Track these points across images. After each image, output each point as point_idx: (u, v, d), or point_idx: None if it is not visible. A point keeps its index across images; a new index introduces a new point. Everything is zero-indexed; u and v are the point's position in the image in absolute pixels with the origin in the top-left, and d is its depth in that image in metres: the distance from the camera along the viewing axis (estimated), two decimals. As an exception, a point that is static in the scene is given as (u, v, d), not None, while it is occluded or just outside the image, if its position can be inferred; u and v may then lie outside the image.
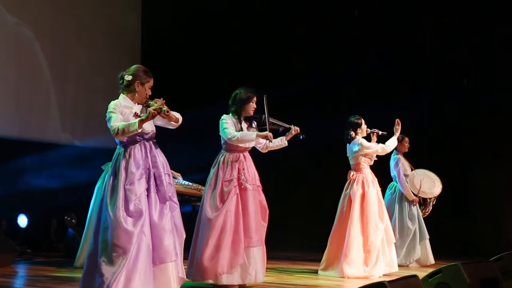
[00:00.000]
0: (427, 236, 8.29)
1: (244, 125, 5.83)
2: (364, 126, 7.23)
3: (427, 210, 8.38)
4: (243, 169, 5.71)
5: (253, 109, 5.82)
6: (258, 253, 5.67)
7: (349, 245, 6.89)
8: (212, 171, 5.76)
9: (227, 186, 5.63)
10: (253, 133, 5.72)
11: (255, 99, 5.83)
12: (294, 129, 5.95)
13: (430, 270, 4.76)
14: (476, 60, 9.94)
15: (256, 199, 5.74)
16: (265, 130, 5.73)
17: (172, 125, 5.01)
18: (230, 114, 5.83)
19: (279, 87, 9.63)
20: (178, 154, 7.54)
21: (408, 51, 10.37)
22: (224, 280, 5.52)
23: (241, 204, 5.65)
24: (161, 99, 4.73)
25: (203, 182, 6.26)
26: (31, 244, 8.99)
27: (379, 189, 7.24)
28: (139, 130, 4.64)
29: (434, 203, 8.34)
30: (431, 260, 8.28)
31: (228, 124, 5.70)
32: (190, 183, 8.12)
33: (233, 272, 5.52)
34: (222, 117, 5.78)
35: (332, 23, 10.84)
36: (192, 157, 9.11)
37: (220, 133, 5.77)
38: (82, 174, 8.97)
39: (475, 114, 9.91)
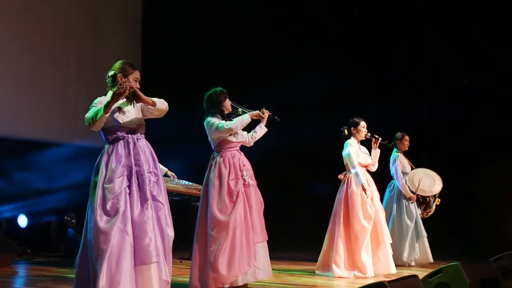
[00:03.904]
0: (425, 234, 8.21)
1: None
2: (361, 128, 7.16)
3: (429, 211, 8.32)
4: (244, 165, 5.66)
5: (230, 104, 5.76)
6: (264, 247, 5.64)
7: (337, 246, 6.92)
8: (212, 173, 5.60)
9: (236, 185, 5.53)
10: (246, 115, 5.66)
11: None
12: (266, 112, 5.86)
13: (430, 270, 4.75)
14: (476, 60, 9.94)
15: (257, 194, 5.69)
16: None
17: (153, 112, 4.67)
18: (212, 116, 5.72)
19: (279, 86, 9.62)
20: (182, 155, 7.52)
21: (408, 50, 10.38)
22: (240, 281, 5.42)
23: (246, 201, 5.59)
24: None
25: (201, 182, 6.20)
26: (31, 244, 8.99)
27: (368, 188, 7.04)
28: (107, 115, 4.46)
29: (438, 203, 8.28)
30: (430, 258, 8.22)
31: (217, 120, 5.63)
32: (190, 183, 8.10)
33: (247, 271, 5.44)
34: (207, 119, 5.67)
35: (332, 23, 10.85)
36: (192, 157, 9.10)
37: (212, 133, 5.63)
38: (82, 174, 8.95)
39: (475, 114, 9.90)
